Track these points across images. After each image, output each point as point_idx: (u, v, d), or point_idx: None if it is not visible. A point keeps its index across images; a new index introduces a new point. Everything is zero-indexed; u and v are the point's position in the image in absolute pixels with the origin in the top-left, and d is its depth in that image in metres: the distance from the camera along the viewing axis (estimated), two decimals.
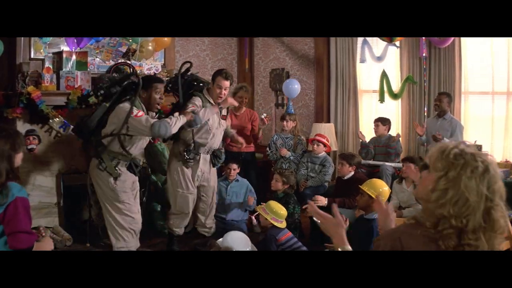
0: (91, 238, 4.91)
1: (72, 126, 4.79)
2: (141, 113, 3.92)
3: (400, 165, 5.43)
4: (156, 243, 5.01)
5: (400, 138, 6.04)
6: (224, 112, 4.66)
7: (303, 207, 4.78)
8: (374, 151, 5.89)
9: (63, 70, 5.00)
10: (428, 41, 5.92)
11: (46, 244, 2.71)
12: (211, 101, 4.47)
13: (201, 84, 4.56)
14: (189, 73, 4.61)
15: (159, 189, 5.32)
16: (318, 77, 7.02)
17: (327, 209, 4.69)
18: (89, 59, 5.29)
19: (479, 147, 5.46)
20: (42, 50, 5.08)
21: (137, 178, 4.29)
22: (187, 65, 4.58)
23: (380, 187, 3.82)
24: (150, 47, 5.62)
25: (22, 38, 4.91)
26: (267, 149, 5.97)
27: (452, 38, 5.68)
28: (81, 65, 5.15)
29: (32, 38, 5.00)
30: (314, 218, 3.51)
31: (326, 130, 6.39)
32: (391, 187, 4.87)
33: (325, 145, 5.62)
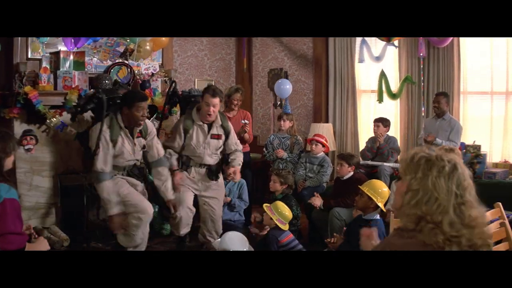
0: (88, 238, 4.89)
1: (68, 126, 4.81)
2: (99, 150, 4.00)
3: (398, 165, 5.42)
4: (154, 243, 4.99)
5: (398, 139, 6.04)
6: (215, 131, 4.49)
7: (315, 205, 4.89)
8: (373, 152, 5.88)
9: (61, 70, 4.99)
10: (427, 41, 5.91)
11: (40, 246, 2.69)
12: (199, 122, 4.42)
13: (195, 100, 4.61)
14: (189, 89, 4.78)
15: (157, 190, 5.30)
16: (316, 77, 7.01)
17: (325, 209, 4.76)
18: (86, 59, 5.28)
19: (478, 147, 5.48)
20: (40, 50, 5.07)
21: (139, 182, 4.35)
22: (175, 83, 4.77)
23: (380, 188, 3.81)
24: (147, 47, 5.61)
25: (20, 38, 4.90)
26: (264, 149, 5.95)
27: (451, 38, 5.67)
28: (79, 65, 5.14)
29: (30, 38, 4.99)
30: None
31: (325, 130, 6.38)
32: (389, 187, 4.85)
33: (323, 145, 5.60)
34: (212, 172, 4.54)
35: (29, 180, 4.99)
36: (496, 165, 5.62)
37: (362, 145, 6.33)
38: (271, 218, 4.15)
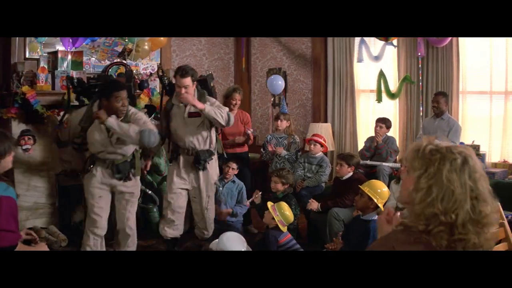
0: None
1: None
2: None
3: (398, 165, 5.42)
4: (152, 243, 4.99)
5: (397, 138, 6.04)
6: (192, 109, 4.37)
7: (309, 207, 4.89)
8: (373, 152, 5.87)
9: (58, 69, 4.97)
10: (425, 40, 5.90)
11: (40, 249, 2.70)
12: (178, 104, 4.41)
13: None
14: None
15: (155, 190, 5.29)
16: (315, 76, 7.01)
17: (324, 211, 4.76)
18: (84, 58, 5.27)
19: (477, 147, 5.47)
20: (39, 50, 5.05)
21: (114, 180, 4.14)
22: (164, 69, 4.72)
23: (380, 188, 3.80)
24: (146, 47, 5.59)
25: (17, 38, 4.89)
26: (262, 150, 5.94)
27: (450, 38, 5.67)
28: (77, 64, 5.12)
29: (28, 38, 4.98)
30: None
31: (323, 130, 6.37)
32: (388, 187, 4.85)
33: (322, 145, 5.59)
34: (200, 161, 4.45)
35: (27, 180, 4.97)
36: (495, 165, 5.62)
37: (361, 145, 6.33)
38: (273, 218, 4.13)
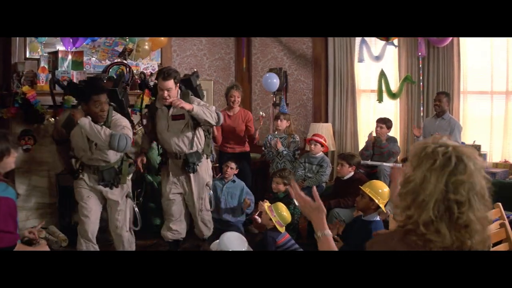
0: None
1: None
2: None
3: (399, 165, 5.41)
4: (152, 243, 4.98)
5: (398, 138, 6.03)
6: (175, 111, 4.31)
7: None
8: (373, 152, 5.86)
9: (59, 69, 4.96)
10: (426, 40, 5.89)
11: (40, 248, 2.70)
12: (161, 107, 4.36)
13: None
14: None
15: (155, 189, 5.28)
16: (316, 76, 7.00)
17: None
18: (85, 58, 5.26)
19: (478, 147, 5.46)
20: (39, 50, 5.05)
21: (102, 189, 4.08)
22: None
23: (381, 189, 3.78)
24: (146, 47, 5.59)
25: (18, 38, 4.89)
26: (263, 148, 5.94)
27: (451, 38, 5.66)
28: (77, 64, 5.12)
29: (28, 38, 4.98)
30: (295, 201, 3.48)
31: (324, 130, 6.37)
32: (389, 188, 4.84)
33: (322, 145, 5.58)
34: (189, 164, 4.41)
35: (27, 180, 4.97)
36: (496, 165, 5.61)
37: (361, 145, 6.32)
38: (270, 219, 4.13)
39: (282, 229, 4.12)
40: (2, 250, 2.47)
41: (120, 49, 5.55)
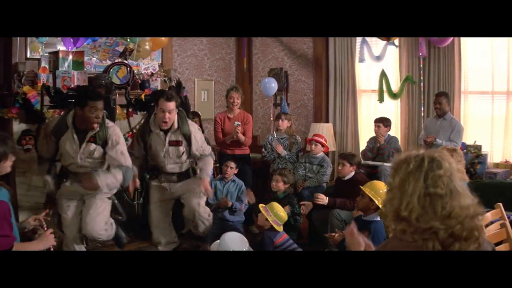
0: (87, 238, 4.86)
1: None
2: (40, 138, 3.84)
3: None
4: (152, 243, 4.97)
5: (399, 138, 6.03)
6: (173, 137, 4.29)
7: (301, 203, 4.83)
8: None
9: (60, 70, 4.96)
10: (427, 40, 5.89)
11: (44, 241, 2.71)
12: (157, 130, 4.26)
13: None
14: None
15: None
16: (316, 76, 7.00)
17: (326, 208, 4.72)
18: (85, 58, 5.26)
19: (479, 147, 5.46)
20: (40, 50, 5.05)
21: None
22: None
23: (381, 189, 3.78)
24: (147, 47, 5.59)
25: (19, 38, 4.88)
26: (263, 150, 5.93)
27: (452, 38, 5.65)
28: (78, 64, 5.12)
29: (29, 38, 4.98)
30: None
31: (325, 130, 6.37)
32: None
33: (323, 145, 5.58)
34: (183, 177, 4.41)
35: (28, 180, 4.96)
36: (497, 165, 5.60)
37: (362, 145, 6.32)
38: (267, 219, 4.13)
39: (279, 228, 4.12)
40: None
41: (120, 49, 5.55)
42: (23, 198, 4.88)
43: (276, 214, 4.14)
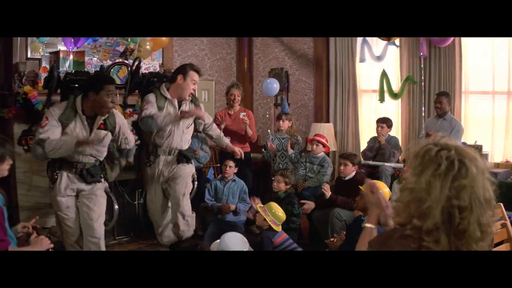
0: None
1: None
2: (44, 123, 3.59)
3: (400, 165, 5.40)
4: (154, 243, 4.98)
5: (399, 138, 6.03)
6: (190, 107, 4.41)
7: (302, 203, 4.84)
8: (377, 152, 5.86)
9: (60, 69, 4.96)
10: (428, 40, 5.89)
11: (37, 246, 2.68)
12: (168, 96, 4.32)
13: (158, 80, 4.56)
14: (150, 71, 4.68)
15: None
16: (317, 76, 7.00)
17: (327, 207, 4.72)
18: (86, 58, 5.26)
19: (480, 147, 5.45)
20: (40, 50, 5.05)
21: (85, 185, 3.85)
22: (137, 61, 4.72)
23: (381, 189, 3.77)
24: (148, 47, 5.57)
25: (19, 38, 4.89)
26: (263, 150, 5.93)
27: (452, 38, 5.65)
28: (78, 64, 5.12)
29: (30, 38, 4.98)
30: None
31: (325, 130, 6.36)
32: (390, 188, 4.84)
33: (324, 145, 5.57)
34: (183, 157, 4.44)
35: (28, 180, 4.97)
36: (497, 165, 5.60)
37: (363, 145, 6.32)
38: (265, 219, 4.13)
39: (278, 228, 4.12)
40: None
41: (121, 49, 5.55)
42: (23, 198, 4.88)
43: (274, 214, 4.13)
